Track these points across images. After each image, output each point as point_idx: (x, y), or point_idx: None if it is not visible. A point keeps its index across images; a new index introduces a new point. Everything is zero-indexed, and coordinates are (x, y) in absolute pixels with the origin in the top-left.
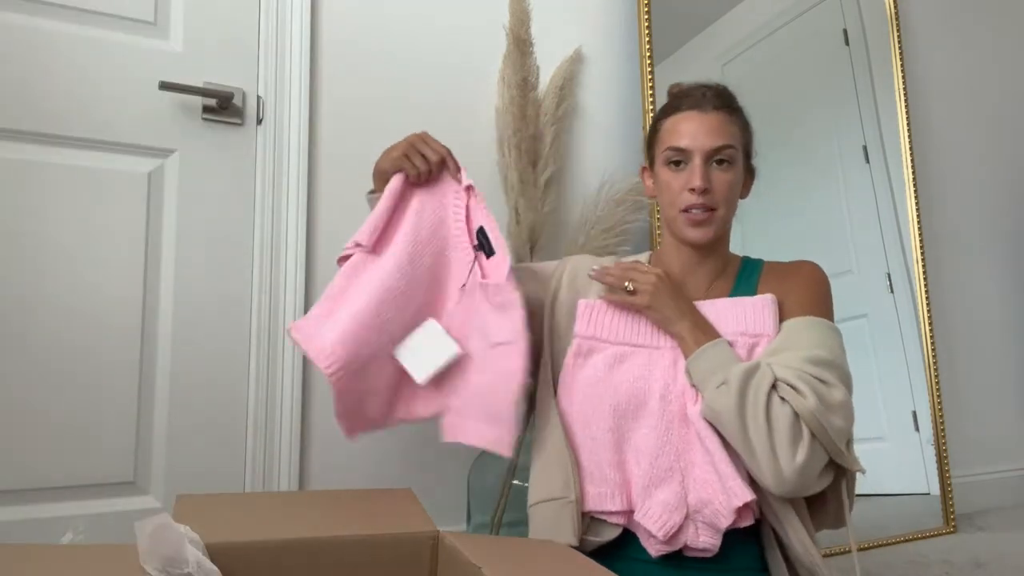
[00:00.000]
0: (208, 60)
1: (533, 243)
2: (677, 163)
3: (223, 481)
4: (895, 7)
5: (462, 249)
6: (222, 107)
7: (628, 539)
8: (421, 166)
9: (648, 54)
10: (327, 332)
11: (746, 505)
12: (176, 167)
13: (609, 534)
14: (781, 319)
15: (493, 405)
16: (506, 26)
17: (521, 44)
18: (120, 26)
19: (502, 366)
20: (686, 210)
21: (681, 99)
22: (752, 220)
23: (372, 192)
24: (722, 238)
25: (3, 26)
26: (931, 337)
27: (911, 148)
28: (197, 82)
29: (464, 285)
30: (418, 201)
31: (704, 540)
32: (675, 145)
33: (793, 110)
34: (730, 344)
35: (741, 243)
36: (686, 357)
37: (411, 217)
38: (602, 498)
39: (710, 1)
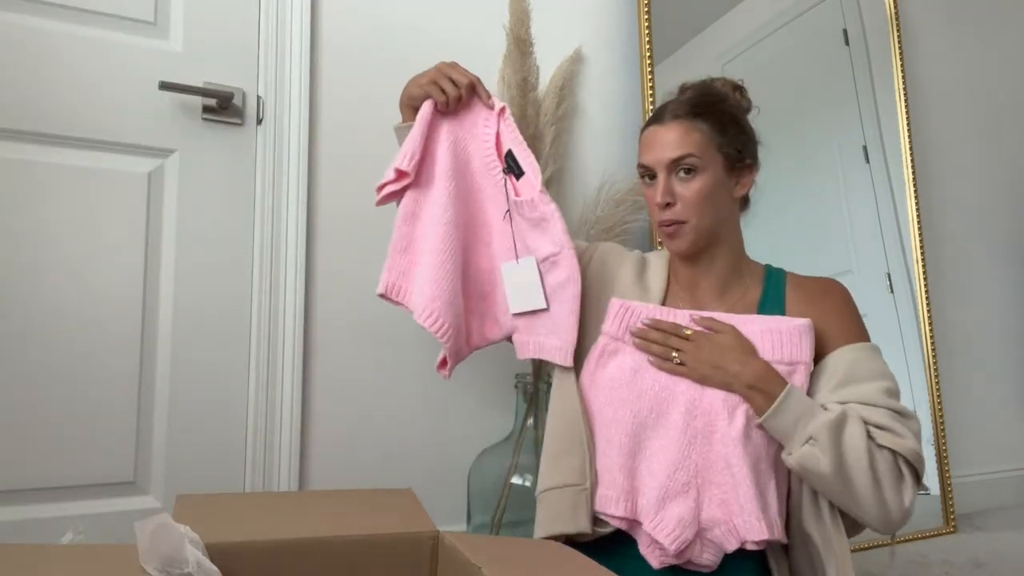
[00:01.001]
0: (208, 60)
1: None
2: (650, 178)
3: (223, 481)
4: (895, 7)
5: (494, 176)
6: (222, 107)
7: (625, 539)
8: (451, 91)
9: (648, 54)
10: (419, 288)
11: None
12: (176, 167)
13: (610, 526)
14: (821, 345)
15: (553, 317)
16: (506, 26)
17: (521, 44)
18: (120, 26)
19: (552, 279)
20: (658, 225)
21: (653, 113)
22: (752, 220)
23: (400, 125)
24: (719, 242)
25: (3, 26)
26: (931, 337)
27: (911, 148)
28: (197, 82)
29: (507, 212)
30: (449, 131)
31: (707, 557)
32: (641, 162)
33: (793, 110)
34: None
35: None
36: (758, 414)
37: (447, 150)
38: (607, 501)
39: (710, 1)
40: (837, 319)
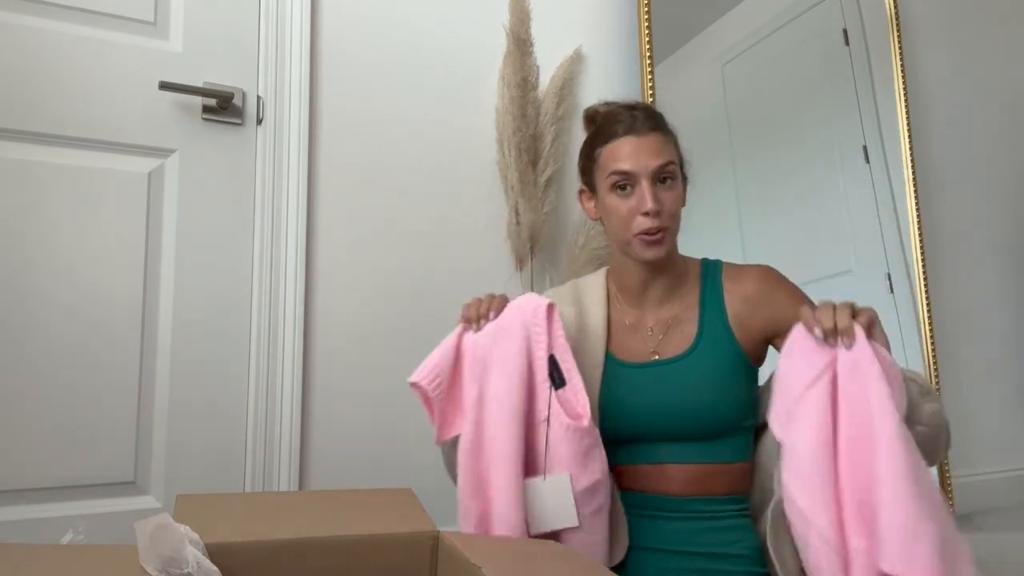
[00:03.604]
0: (208, 60)
1: (533, 243)
2: (623, 187)
3: (223, 481)
4: (895, 7)
5: (542, 370)
6: (222, 107)
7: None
8: (476, 311)
9: (648, 54)
10: (508, 527)
11: None
12: (176, 167)
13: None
14: (780, 324)
15: (586, 538)
16: (506, 26)
17: (521, 44)
18: (120, 26)
19: (588, 508)
20: (639, 234)
21: (614, 124)
22: (752, 220)
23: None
24: (672, 248)
25: (4, 26)
26: (931, 337)
27: (911, 148)
28: (197, 82)
29: (547, 419)
30: (492, 336)
31: None
32: (620, 169)
33: (793, 110)
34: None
35: (741, 243)
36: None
37: (494, 352)
38: None
39: (710, 1)
40: (792, 302)
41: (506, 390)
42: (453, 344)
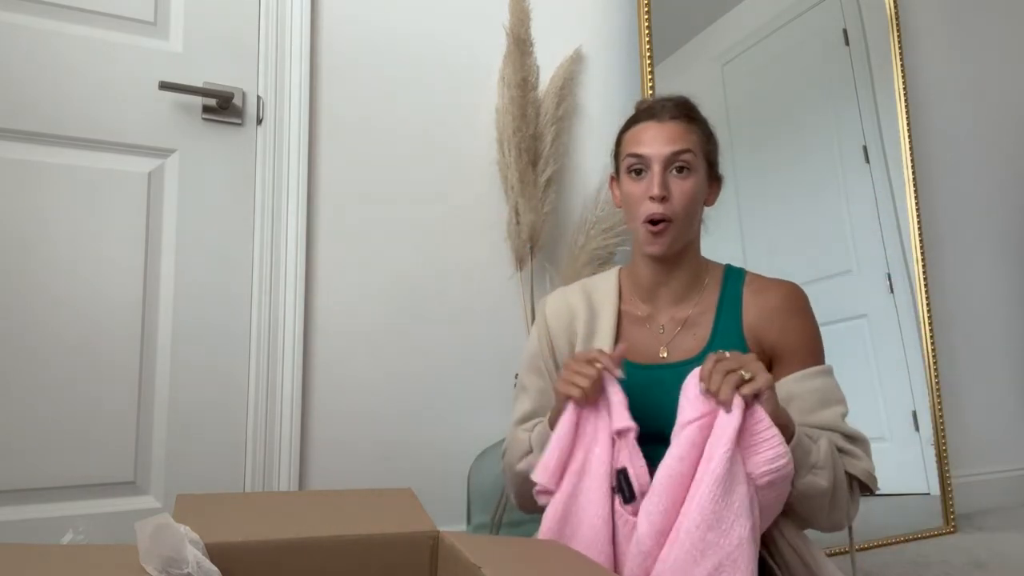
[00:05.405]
0: (208, 60)
1: (533, 243)
2: (638, 171)
3: (223, 481)
4: (895, 7)
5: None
6: (222, 107)
7: None
8: (590, 391)
9: (648, 54)
10: None
11: None
12: (176, 167)
13: None
14: (779, 362)
15: None
16: (506, 26)
17: (521, 44)
18: (120, 26)
19: None
20: (647, 221)
21: (641, 111)
22: (752, 220)
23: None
24: (688, 247)
25: (3, 26)
26: (931, 337)
27: (911, 148)
28: (197, 82)
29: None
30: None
31: None
32: (634, 151)
33: (793, 110)
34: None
35: (740, 243)
36: (789, 440)
37: (601, 431)
38: None
39: (710, 1)
40: (798, 336)
41: (608, 466)
42: (571, 427)
